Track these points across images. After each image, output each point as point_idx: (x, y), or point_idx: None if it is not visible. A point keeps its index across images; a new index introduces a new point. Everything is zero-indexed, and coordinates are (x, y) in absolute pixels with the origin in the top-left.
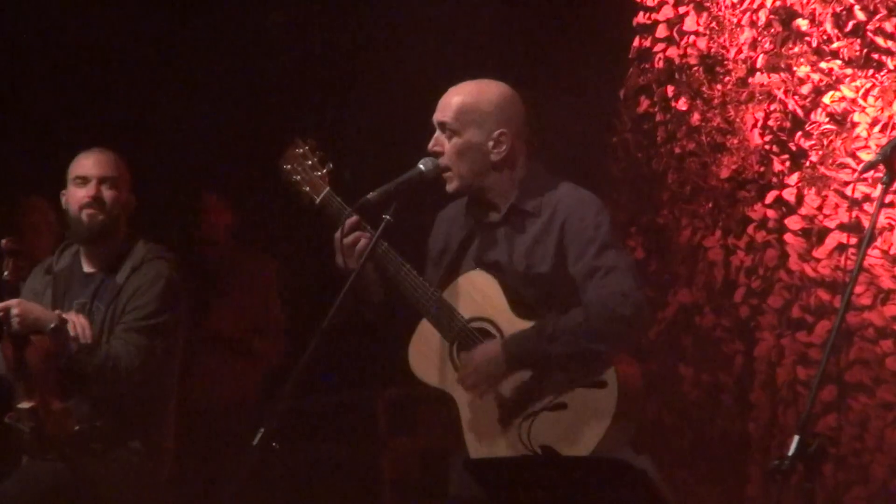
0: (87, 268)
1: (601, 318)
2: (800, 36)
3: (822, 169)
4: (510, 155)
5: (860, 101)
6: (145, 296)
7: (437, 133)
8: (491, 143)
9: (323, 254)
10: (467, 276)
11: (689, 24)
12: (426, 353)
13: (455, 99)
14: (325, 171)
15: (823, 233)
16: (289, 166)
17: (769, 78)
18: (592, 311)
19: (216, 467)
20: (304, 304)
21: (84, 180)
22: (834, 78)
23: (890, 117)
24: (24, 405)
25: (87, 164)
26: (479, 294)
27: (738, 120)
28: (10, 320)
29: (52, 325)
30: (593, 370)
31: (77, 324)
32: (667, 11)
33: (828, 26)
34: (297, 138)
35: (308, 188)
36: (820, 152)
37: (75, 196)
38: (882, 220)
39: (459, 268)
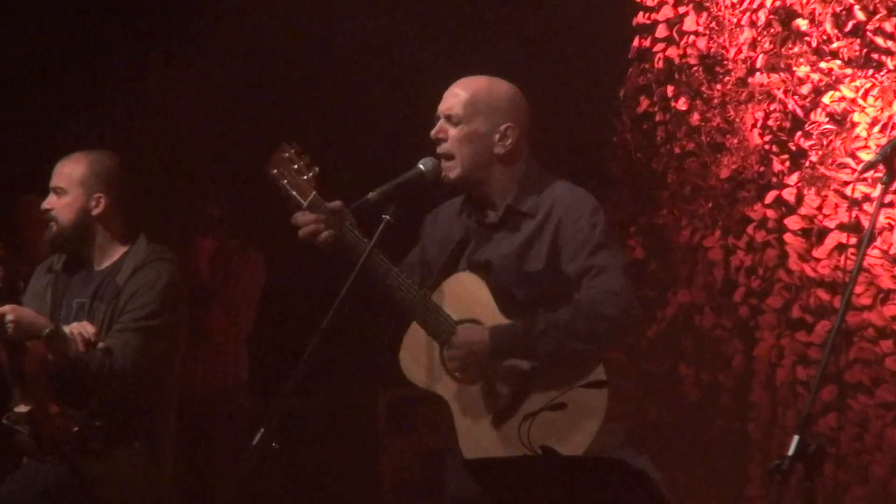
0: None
1: (587, 317)
2: (799, 36)
3: (821, 169)
4: (514, 150)
5: (860, 101)
6: (145, 296)
7: (441, 122)
8: (497, 136)
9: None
10: (455, 278)
11: (689, 24)
12: (416, 356)
13: (464, 90)
14: (311, 174)
15: (823, 233)
16: (275, 171)
17: (769, 78)
18: (580, 310)
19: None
20: (301, 304)
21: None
22: (834, 78)
23: (890, 117)
24: (22, 409)
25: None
26: (467, 295)
27: (737, 120)
28: (5, 326)
29: (47, 332)
30: (582, 369)
31: (77, 332)
32: (667, 11)
33: (827, 26)
34: (283, 143)
35: (295, 192)
36: (820, 152)
37: None
38: (882, 220)
39: (455, 270)
